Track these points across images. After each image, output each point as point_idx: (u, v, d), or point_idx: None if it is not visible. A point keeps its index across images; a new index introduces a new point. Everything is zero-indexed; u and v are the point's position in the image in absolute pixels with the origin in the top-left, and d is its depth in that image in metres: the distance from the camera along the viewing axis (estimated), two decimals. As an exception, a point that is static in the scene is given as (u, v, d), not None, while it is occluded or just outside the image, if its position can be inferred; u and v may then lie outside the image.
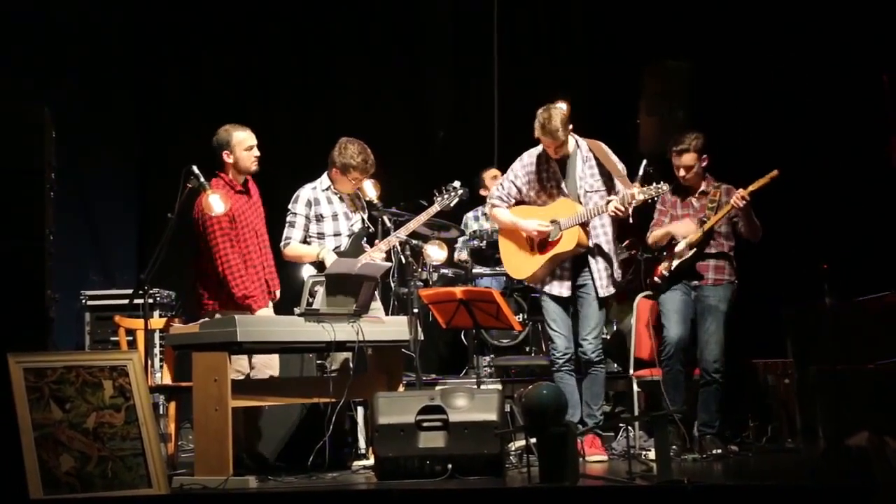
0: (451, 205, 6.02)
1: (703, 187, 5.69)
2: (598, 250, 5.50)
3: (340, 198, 5.77)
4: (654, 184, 5.37)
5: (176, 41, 8.03)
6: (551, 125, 5.35)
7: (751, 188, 5.42)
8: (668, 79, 6.99)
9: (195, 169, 5.09)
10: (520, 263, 5.64)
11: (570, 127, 5.44)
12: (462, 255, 7.10)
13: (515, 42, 7.92)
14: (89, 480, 4.35)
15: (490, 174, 7.26)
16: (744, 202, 5.42)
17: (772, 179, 5.38)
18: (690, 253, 5.56)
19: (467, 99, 8.09)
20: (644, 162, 5.73)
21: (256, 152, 5.43)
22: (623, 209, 5.32)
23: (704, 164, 5.65)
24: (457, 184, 6.01)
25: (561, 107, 5.46)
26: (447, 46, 8.19)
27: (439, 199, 5.95)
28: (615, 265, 5.55)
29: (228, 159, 5.39)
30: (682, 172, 5.64)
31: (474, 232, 7.01)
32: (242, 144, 5.38)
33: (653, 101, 7.03)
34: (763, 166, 6.16)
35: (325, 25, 8.13)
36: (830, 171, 6.68)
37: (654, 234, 5.75)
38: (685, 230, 5.60)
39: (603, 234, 5.51)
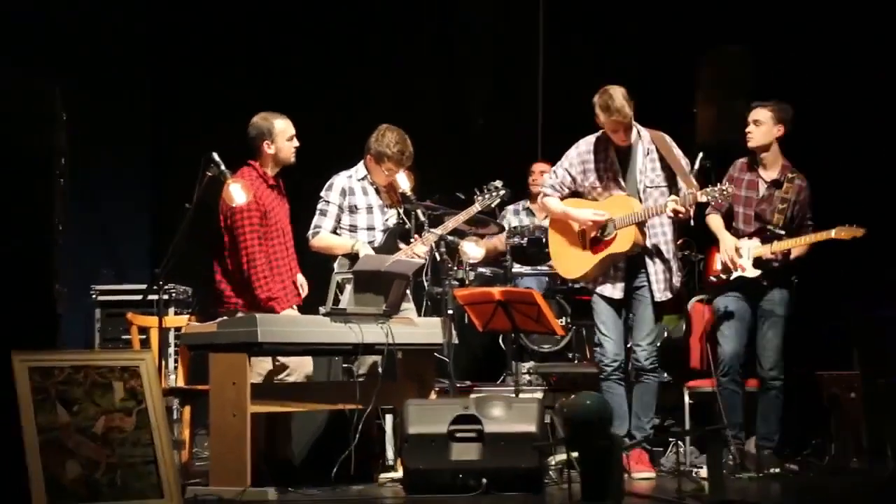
0: (493, 205, 5.88)
1: (776, 175, 5.44)
2: (655, 252, 5.35)
3: (377, 189, 5.63)
4: (719, 185, 5.19)
5: (191, 36, 8.02)
6: (615, 103, 5.18)
7: (834, 235, 5.23)
8: (728, 66, 6.83)
9: (216, 156, 4.90)
10: (570, 262, 5.52)
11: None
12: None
13: (562, 28, 7.75)
14: (96, 489, 4.19)
15: (539, 168, 7.12)
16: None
17: (853, 237, 5.22)
18: (756, 274, 5.38)
19: (509, 86, 7.98)
20: (700, 154, 5.60)
21: (296, 142, 5.31)
22: (684, 211, 5.17)
23: (779, 134, 5.42)
24: (498, 183, 5.85)
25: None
26: (489, 31, 8.08)
27: (480, 198, 5.78)
28: (674, 269, 5.39)
29: (269, 150, 5.25)
30: (749, 128, 5.44)
31: (514, 228, 6.84)
32: (285, 134, 5.27)
33: (710, 90, 6.90)
34: (825, 165, 5.90)
35: (358, 9, 8.05)
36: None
37: (712, 222, 5.49)
38: (731, 244, 5.39)
39: (661, 233, 5.36)
